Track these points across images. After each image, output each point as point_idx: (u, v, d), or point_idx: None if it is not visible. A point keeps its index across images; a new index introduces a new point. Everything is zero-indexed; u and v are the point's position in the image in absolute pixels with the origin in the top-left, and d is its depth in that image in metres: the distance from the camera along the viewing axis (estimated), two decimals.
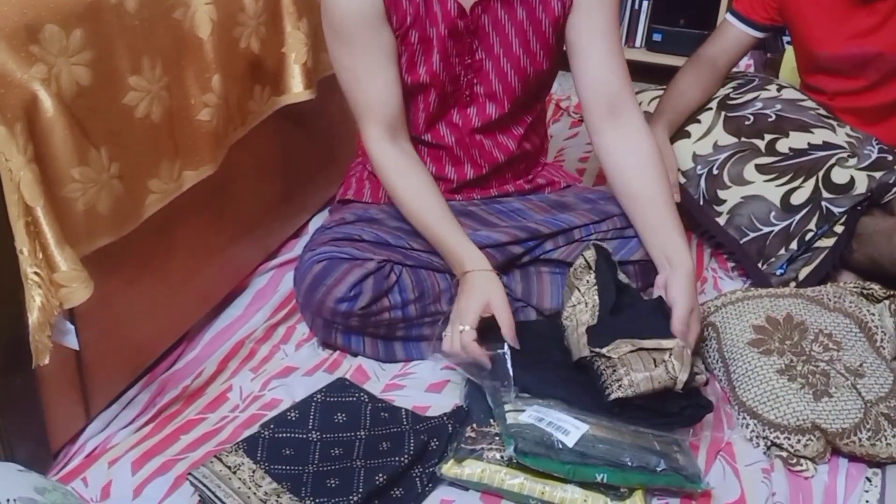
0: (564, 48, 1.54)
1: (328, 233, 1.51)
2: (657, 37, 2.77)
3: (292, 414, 1.33)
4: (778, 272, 1.71)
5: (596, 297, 1.39)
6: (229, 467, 1.23)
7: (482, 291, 1.35)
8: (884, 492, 1.31)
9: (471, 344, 1.32)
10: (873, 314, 1.49)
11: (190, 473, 1.22)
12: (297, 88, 1.62)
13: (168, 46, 1.30)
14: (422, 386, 1.46)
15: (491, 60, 1.49)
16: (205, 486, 1.19)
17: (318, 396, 1.36)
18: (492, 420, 1.30)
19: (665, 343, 1.30)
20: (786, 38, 2.31)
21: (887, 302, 1.52)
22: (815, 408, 1.33)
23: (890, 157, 1.74)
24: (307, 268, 1.44)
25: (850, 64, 1.81)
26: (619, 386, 1.26)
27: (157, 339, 1.47)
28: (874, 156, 1.75)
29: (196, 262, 1.52)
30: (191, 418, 1.37)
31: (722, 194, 1.80)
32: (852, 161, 1.74)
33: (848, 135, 1.80)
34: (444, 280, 1.50)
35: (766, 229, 1.73)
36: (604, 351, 1.29)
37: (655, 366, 1.27)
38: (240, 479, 1.21)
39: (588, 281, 1.41)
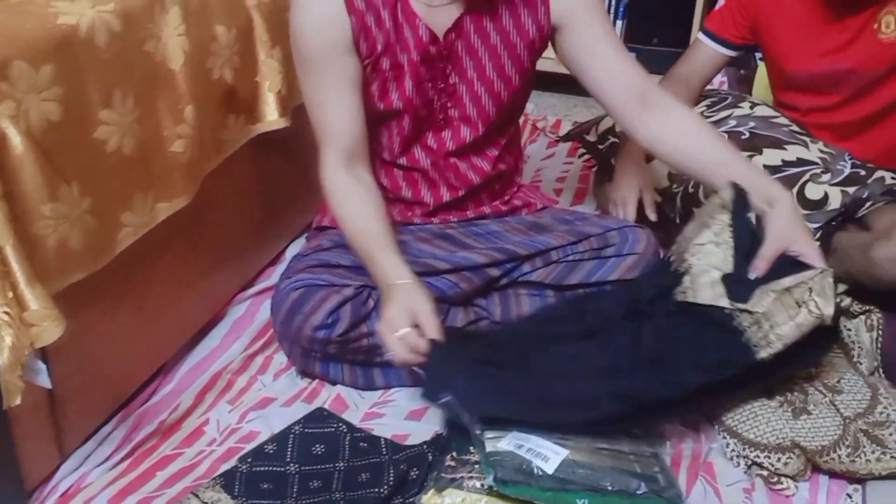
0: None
1: (305, 260, 1.51)
2: (632, 56, 2.78)
3: (270, 447, 1.32)
4: None
5: (730, 240, 1.34)
6: (206, 503, 1.21)
7: (405, 299, 1.31)
8: None
9: (419, 340, 1.29)
10: (850, 329, 1.50)
11: None
12: (271, 116, 1.62)
13: (140, 79, 1.29)
14: (401, 414, 1.45)
15: (465, 84, 1.49)
16: None
17: (296, 428, 1.35)
18: (472, 447, 1.29)
19: (805, 276, 1.27)
20: (758, 55, 2.33)
21: (863, 317, 1.53)
22: (794, 426, 1.34)
23: (863, 172, 1.76)
24: (284, 296, 1.44)
25: (822, 80, 1.82)
26: (769, 343, 1.24)
27: (132, 372, 1.46)
28: (847, 171, 1.76)
29: (172, 293, 1.51)
30: (167, 454, 1.35)
31: None
32: (826, 177, 1.75)
33: (821, 150, 1.81)
34: None
35: None
36: (747, 307, 1.26)
37: (799, 308, 1.24)
38: None
39: (722, 221, 1.37)
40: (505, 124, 1.58)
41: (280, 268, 1.81)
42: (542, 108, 2.68)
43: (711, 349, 1.30)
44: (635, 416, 1.30)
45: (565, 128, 2.61)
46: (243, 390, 1.50)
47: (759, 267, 1.32)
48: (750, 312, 1.26)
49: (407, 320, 1.30)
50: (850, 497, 1.33)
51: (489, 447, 1.24)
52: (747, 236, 1.35)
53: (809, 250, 1.35)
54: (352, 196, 1.44)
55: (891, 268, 1.60)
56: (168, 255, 1.47)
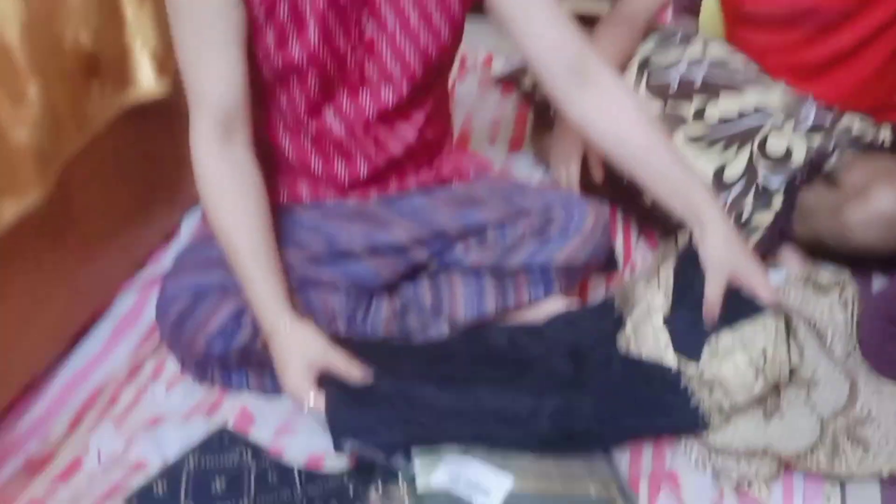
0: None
1: (194, 255, 1.27)
2: (570, 20, 2.53)
3: (160, 486, 1.10)
4: None
5: (671, 280, 1.25)
6: None
7: (301, 356, 1.14)
8: None
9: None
10: (822, 309, 1.34)
11: None
12: (146, 81, 1.36)
13: None
14: (318, 426, 1.24)
15: (385, 37, 1.25)
16: None
17: (192, 460, 1.13)
18: (400, 477, 1.10)
19: (748, 328, 1.17)
20: None
21: (836, 292, 1.36)
22: (766, 429, 1.18)
23: (828, 120, 1.58)
24: (169, 301, 1.21)
25: (780, 17, 1.63)
26: (720, 410, 1.17)
27: None
28: (811, 118, 1.59)
29: (38, 293, 1.27)
30: (36, 497, 1.13)
31: None
32: (788, 126, 1.57)
33: (782, 95, 1.63)
34: (338, 298, 1.28)
35: None
36: (695, 373, 1.17)
37: (756, 378, 1.15)
38: None
39: (669, 261, 1.28)
40: (432, 84, 1.35)
41: (175, 246, 1.56)
42: (470, 40, 2.41)
43: (659, 412, 1.19)
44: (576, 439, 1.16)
45: (498, 64, 2.37)
46: (131, 406, 1.27)
47: (709, 315, 1.19)
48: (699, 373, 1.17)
49: (311, 385, 1.13)
50: (829, 500, 1.19)
51: (420, 486, 1.05)
52: (688, 283, 1.22)
53: (755, 277, 1.21)
54: (225, 188, 1.18)
55: (865, 232, 1.45)
56: (29, 252, 1.22)
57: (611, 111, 1.27)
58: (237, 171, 1.19)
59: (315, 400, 1.12)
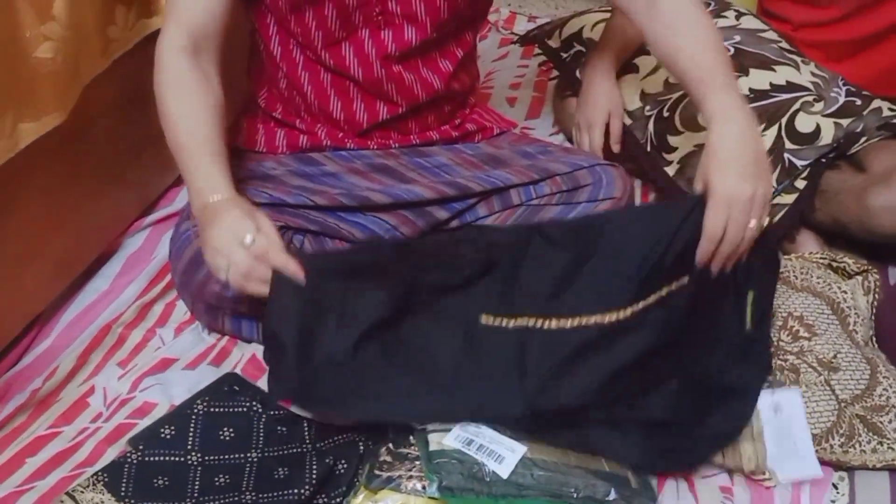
0: None
1: None
2: None
3: (167, 430, 1.08)
4: None
5: None
6: None
7: (240, 209, 1.06)
8: (853, 500, 1.16)
9: (278, 255, 1.04)
10: (845, 292, 1.32)
11: None
12: None
13: None
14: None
15: None
16: None
17: (200, 406, 1.11)
18: (412, 437, 1.08)
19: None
20: None
21: (860, 278, 1.34)
22: None
23: (858, 102, 1.55)
24: (184, 243, 1.18)
25: None
26: None
27: None
28: (841, 100, 1.56)
29: (48, 225, 1.24)
30: (40, 434, 1.11)
31: (672, 141, 1.58)
32: (818, 106, 1.54)
33: (813, 74, 1.60)
34: None
35: None
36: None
37: None
38: None
39: None
40: (462, 30, 1.30)
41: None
42: None
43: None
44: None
45: (520, 23, 2.33)
46: (137, 348, 1.25)
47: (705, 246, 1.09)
48: None
49: (252, 226, 1.04)
50: (837, 487, 1.17)
51: (433, 445, 1.03)
52: None
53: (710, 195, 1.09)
54: (186, 86, 1.13)
55: (887, 218, 1.42)
56: (40, 180, 1.19)
57: (674, 35, 1.19)
58: (200, 74, 1.14)
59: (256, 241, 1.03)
